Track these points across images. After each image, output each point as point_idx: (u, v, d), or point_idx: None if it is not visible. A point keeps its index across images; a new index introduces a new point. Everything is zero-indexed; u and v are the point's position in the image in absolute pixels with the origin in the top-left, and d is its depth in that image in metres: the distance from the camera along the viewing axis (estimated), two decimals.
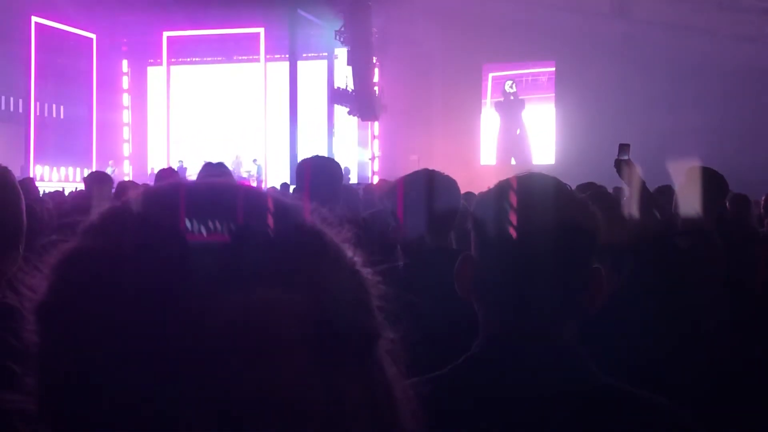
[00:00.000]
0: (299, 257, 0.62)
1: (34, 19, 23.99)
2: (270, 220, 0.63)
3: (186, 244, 0.59)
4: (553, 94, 24.46)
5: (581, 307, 1.41)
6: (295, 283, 0.60)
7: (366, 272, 0.67)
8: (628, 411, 1.36)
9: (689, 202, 3.58)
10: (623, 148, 4.19)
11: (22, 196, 1.94)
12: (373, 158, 25.34)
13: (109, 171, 22.82)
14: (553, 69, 24.37)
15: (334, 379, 0.61)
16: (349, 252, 0.67)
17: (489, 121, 25.33)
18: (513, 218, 1.38)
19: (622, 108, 21.63)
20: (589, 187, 3.68)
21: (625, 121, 21.21)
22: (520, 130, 24.92)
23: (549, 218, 1.39)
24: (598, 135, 21.28)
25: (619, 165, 4.09)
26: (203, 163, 4.34)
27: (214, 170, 4.06)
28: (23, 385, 0.62)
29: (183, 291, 0.57)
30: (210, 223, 0.60)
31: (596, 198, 2.94)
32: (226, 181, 0.68)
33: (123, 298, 0.57)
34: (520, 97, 24.96)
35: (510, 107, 25.04)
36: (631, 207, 3.68)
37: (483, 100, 25.39)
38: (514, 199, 1.40)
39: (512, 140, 24.94)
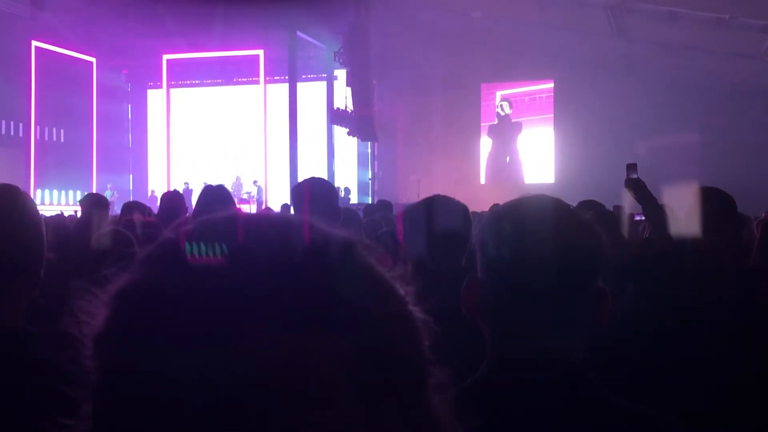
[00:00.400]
0: (353, 298, 0.61)
1: (35, 43, 24.09)
2: (329, 259, 0.62)
3: (238, 280, 0.59)
4: (552, 114, 24.52)
5: (587, 327, 1.41)
6: (349, 326, 0.60)
7: (417, 312, 0.66)
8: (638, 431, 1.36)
9: (698, 222, 3.56)
10: (631, 167, 4.25)
11: (42, 221, 1.93)
12: (373, 178, 25.37)
13: (108, 195, 22.86)
14: (552, 87, 24.46)
15: (383, 425, 0.60)
16: (402, 291, 0.66)
17: (488, 141, 25.40)
18: (515, 240, 1.39)
19: (621, 126, 21.71)
20: (591, 206, 3.68)
21: (624, 140, 21.28)
22: (510, 157, 24.98)
23: (551, 239, 1.39)
24: (597, 153, 21.37)
25: (631, 184, 4.13)
26: (203, 186, 4.33)
27: (215, 193, 4.06)
28: (79, 410, 0.63)
29: (233, 329, 0.57)
30: (266, 260, 0.60)
31: (598, 217, 2.95)
32: (283, 216, 0.69)
33: (177, 333, 0.57)
34: (514, 121, 25.04)
35: (502, 131, 25.11)
36: (647, 225, 3.69)
37: (483, 123, 25.46)
38: (516, 221, 1.40)
39: (501, 165, 24.98)
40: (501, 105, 25.19)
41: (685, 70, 21.11)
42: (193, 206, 4.11)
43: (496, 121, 25.24)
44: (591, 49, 22.20)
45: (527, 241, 1.38)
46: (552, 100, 24.53)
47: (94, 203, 5.88)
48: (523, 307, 1.39)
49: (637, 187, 4.11)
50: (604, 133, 21.66)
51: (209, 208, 0.73)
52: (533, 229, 1.39)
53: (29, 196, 1.95)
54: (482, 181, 24.89)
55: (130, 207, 6.45)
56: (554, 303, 1.37)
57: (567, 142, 23.37)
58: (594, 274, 1.41)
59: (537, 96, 24.84)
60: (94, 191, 24.93)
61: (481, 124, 25.42)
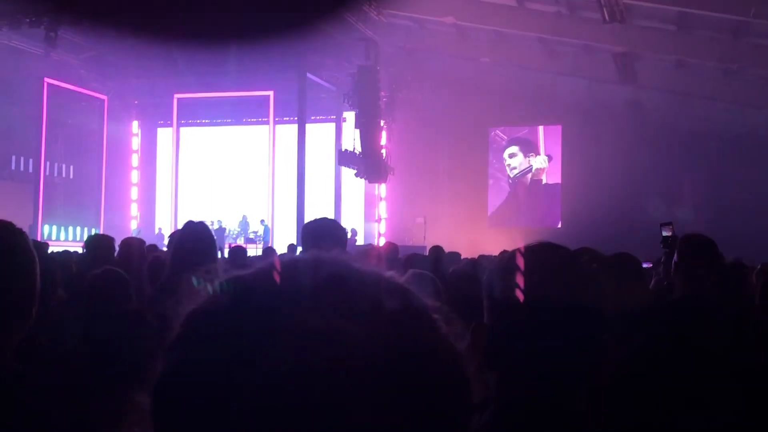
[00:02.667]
0: (421, 353, 0.64)
1: (47, 80, 24.31)
2: (399, 312, 0.66)
3: (311, 320, 0.62)
4: (560, 158, 24.59)
5: (590, 377, 1.40)
6: (413, 377, 0.62)
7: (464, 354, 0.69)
8: None
9: (687, 270, 3.56)
10: (667, 225, 4.34)
11: (37, 260, 1.93)
12: (379, 220, 25.40)
13: (134, 233, 22.93)
14: (559, 132, 24.56)
15: None
16: (458, 344, 0.68)
17: (495, 186, 25.44)
18: (520, 290, 1.39)
19: (628, 173, 21.72)
20: (619, 258, 3.69)
21: (631, 186, 21.31)
22: (520, 202, 25.07)
23: (555, 290, 1.39)
24: (603, 199, 21.37)
25: (668, 241, 4.20)
26: (185, 222, 4.31)
27: (197, 229, 4.05)
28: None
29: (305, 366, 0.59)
30: (343, 304, 0.63)
31: (611, 265, 2.95)
32: (362, 267, 0.70)
33: (242, 359, 0.60)
34: (524, 166, 25.14)
35: (514, 178, 25.26)
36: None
37: (490, 167, 25.54)
38: (521, 270, 1.40)
39: (515, 209, 25.04)
40: (508, 153, 25.29)
41: (693, 118, 21.20)
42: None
43: (511, 176, 25.35)
44: (599, 95, 22.32)
45: (531, 290, 1.38)
46: (560, 145, 24.61)
47: (97, 244, 5.88)
48: (526, 355, 1.38)
49: (674, 245, 4.15)
50: (612, 178, 21.68)
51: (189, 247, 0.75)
52: (537, 279, 1.40)
53: (24, 233, 1.94)
54: (493, 224, 24.89)
55: (130, 244, 6.45)
56: (557, 352, 1.36)
57: (574, 187, 23.38)
58: (597, 325, 1.40)
59: (544, 139, 24.92)
60: (102, 228, 25.02)
61: (488, 168, 25.49)
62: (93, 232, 24.41)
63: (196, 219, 4.36)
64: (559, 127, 24.50)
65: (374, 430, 0.60)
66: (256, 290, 0.66)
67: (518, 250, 1.46)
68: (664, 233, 4.49)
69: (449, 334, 0.68)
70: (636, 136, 21.70)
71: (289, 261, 0.69)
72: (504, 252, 1.50)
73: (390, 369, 0.61)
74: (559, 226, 23.47)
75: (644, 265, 7.30)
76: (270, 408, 0.58)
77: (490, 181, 25.48)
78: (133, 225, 26.01)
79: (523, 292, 1.38)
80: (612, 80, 21.20)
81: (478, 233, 22.09)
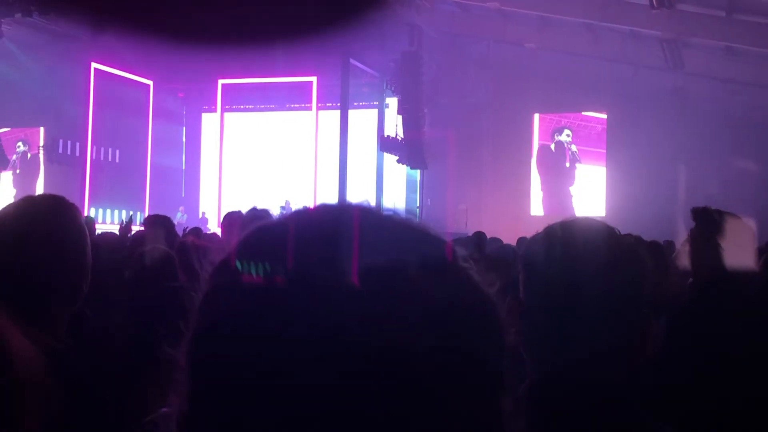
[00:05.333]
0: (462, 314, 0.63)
1: (94, 65, 24.59)
2: (441, 267, 0.64)
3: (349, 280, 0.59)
4: (605, 145, 24.32)
5: (631, 354, 1.38)
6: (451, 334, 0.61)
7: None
8: None
9: (730, 254, 3.50)
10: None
11: (88, 235, 1.93)
12: (421, 207, 25.35)
13: (179, 216, 23.18)
14: (605, 119, 24.27)
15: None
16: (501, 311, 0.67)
17: (538, 172, 25.24)
18: (562, 261, 1.37)
19: (674, 161, 21.43)
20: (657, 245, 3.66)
21: (677, 175, 21.03)
22: (563, 188, 24.79)
23: (600, 264, 1.37)
24: (649, 187, 21.11)
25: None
26: (250, 208, 4.34)
27: (257, 217, 4.07)
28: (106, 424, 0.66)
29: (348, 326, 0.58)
30: (381, 261, 0.61)
31: (647, 248, 2.91)
32: (399, 217, 0.69)
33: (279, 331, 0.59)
34: (572, 150, 24.86)
35: (558, 159, 24.95)
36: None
37: (533, 153, 25.33)
38: (566, 242, 1.39)
39: (560, 194, 24.80)
40: (560, 131, 25.01)
41: (741, 106, 20.80)
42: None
43: (553, 148, 25.06)
44: (645, 82, 22.00)
45: (575, 263, 1.36)
46: (605, 132, 24.32)
47: (152, 223, 5.99)
48: (565, 330, 1.36)
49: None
50: (657, 167, 21.40)
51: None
52: (582, 252, 1.38)
53: (76, 208, 1.94)
54: (536, 212, 24.70)
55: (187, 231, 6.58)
56: (597, 327, 1.35)
57: (619, 175, 23.12)
58: (639, 301, 1.38)
59: (590, 125, 24.64)
60: (147, 212, 25.31)
61: (532, 156, 25.29)
62: (138, 215, 24.72)
63: (239, 204, 4.40)
64: (604, 114, 24.21)
65: (419, 372, 0.58)
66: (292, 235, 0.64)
67: (562, 222, 1.44)
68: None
69: (483, 283, 0.66)
70: (682, 123, 21.35)
71: (325, 207, 0.68)
72: (549, 226, 1.47)
73: (431, 314, 0.60)
74: (604, 214, 23.22)
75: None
76: (318, 361, 0.57)
77: (534, 168, 25.28)
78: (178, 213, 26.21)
79: (565, 265, 1.36)
80: (659, 67, 20.89)
81: (521, 220, 21.91)
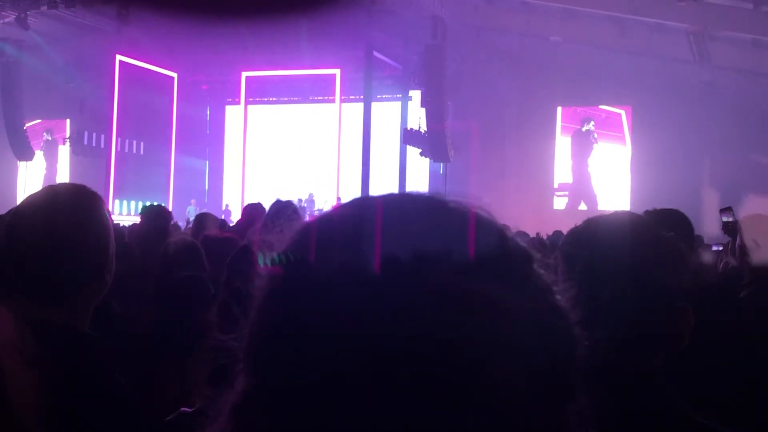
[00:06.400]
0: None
1: (119, 57, 24.74)
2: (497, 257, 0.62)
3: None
4: (629, 137, 24.17)
5: (666, 344, 1.40)
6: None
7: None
8: None
9: (754, 251, 3.47)
10: (726, 211, 4.25)
11: (111, 225, 1.93)
12: None
13: (190, 210, 23.30)
14: (630, 112, 24.12)
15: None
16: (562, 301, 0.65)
17: (562, 165, 25.13)
18: (593, 252, 1.39)
19: (700, 155, 21.27)
20: (666, 214, 3.61)
21: (703, 169, 20.86)
22: (584, 178, 24.70)
23: (630, 254, 1.39)
24: (675, 182, 20.95)
25: (729, 227, 4.13)
26: (275, 200, 4.36)
27: (283, 208, 4.09)
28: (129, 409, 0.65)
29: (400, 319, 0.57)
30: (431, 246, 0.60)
31: (679, 237, 2.93)
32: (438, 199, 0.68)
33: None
34: (596, 137, 24.74)
35: (583, 144, 24.86)
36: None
37: (557, 146, 25.22)
38: (597, 235, 1.41)
39: (583, 190, 24.70)
40: (587, 121, 24.87)
41: (765, 97, 20.59)
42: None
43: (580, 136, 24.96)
44: (671, 75, 21.82)
45: (606, 253, 1.39)
46: (630, 125, 24.17)
47: (154, 215, 6.01)
48: (598, 320, 1.37)
49: (735, 230, 4.06)
50: (683, 161, 21.25)
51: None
52: (612, 243, 1.41)
53: (99, 197, 1.94)
54: (559, 206, 24.62)
55: (204, 218, 6.61)
56: (630, 316, 1.37)
57: (644, 169, 22.97)
58: (674, 291, 1.40)
59: (614, 118, 24.49)
60: (171, 204, 25.47)
61: (555, 150, 25.17)
62: (191, 209, 24.84)
63: (262, 196, 4.43)
64: (629, 107, 24.06)
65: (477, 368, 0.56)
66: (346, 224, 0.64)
67: (598, 216, 1.47)
68: (724, 219, 4.38)
69: (548, 281, 0.64)
70: (708, 116, 21.17)
71: (374, 197, 0.67)
72: (587, 219, 1.52)
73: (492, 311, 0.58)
74: (629, 207, 23.09)
75: (714, 248, 7.14)
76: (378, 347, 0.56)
77: (558, 161, 25.17)
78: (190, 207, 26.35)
79: (596, 256, 1.38)
80: (685, 59, 20.72)
81: (544, 213, 21.83)
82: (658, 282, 1.39)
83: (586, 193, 24.65)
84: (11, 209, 1.95)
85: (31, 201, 1.88)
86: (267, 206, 4.45)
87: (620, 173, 24.25)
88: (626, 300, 1.36)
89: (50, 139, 27.70)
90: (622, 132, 24.39)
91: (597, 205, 23.74)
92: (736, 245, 3.69)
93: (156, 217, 5.69)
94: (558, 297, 0.64)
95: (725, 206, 4.40)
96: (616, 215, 1.51)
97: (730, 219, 4.20)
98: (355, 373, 0.55)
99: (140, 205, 25.60)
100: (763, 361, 2.70)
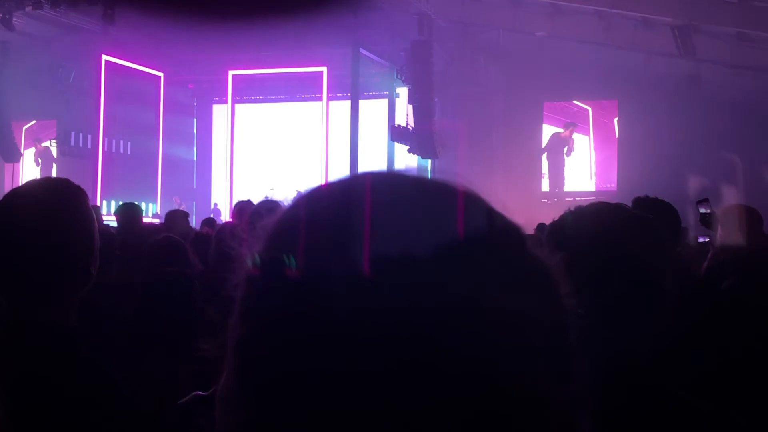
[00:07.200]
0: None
1: (104, 57, 24.63)
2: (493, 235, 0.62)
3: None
4: (616, 132, 24.27)
5: (651, 324, 1.43)
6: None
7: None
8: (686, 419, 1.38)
9: (730, 240, 3.51)
10: (703, 203, 4.27)
11: (95, 219, 1.93)
12: None
13: (175, 206, 23.21)
14: (615, 105, 24.21)
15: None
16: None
17: (549, 161, 25.22)
18: (577, 241, 1.41)
19: (685, 147, 21.32)
20: (649, 203, 3.62)
21: (687, 161, 20.89)
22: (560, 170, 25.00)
23: (615, 239, 1.42)
24: (662, 175, 20.99)
25: (706, 218, 4.16)
26: (263, 199, 4.36)
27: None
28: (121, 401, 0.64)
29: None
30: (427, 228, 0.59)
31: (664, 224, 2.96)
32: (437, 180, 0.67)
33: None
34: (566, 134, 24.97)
35: (556, 145, 25.12)
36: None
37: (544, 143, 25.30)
38: (579, 222, 1.44)
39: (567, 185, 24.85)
40: (568, 126, 25.01)
41: (752, 91, 20.67)
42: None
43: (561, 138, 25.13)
44: (656, 69, 21.88)
45: (584, 237, 1.41)
46: (616, 119, 24.27)
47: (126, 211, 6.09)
48: (596, 303, 1.40)
49: (711, 222, 4.10)
50: (669, 154, 21.30)
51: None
52: (590, 227, 1.43)
53: (82, 190, 1.92)
54: (543, 199, 24.68)
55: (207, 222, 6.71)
56: (617, 300, 1.39)
57: (629, 162, 23.03)
58: (653, 270, 1.43)
59: (601, 112, 24.59)
60: (159, 203, 25.41)
61: (542, 145, 25.24)
62: (150, 207, 24.78)
63: (249, 194, 4.44)
64: (614, 102, 24.13)
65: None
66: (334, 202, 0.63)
67: (578, 207, 1.50)
68: (702, 210, 4.39)
69: (543, 258, 0.63)
70: (694, 109, 21.23)
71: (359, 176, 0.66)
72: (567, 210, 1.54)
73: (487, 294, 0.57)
74: (616, 200, 23.13)
75: (701, 240, 7.18)
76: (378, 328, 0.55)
77: (544, 156, 25.23)
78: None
79: (579, 244, 1.40)
80: (670, 54, 20.78)
81: (534, 208, 21.85)
82: (638, 259, 1.42)
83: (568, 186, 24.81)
84: None
85: (13, 196, 1.86)
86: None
87: (605, 167, 24.35)
88: (607, 281, 1.38)
89: (37, 140, 27.55)
90: (611, 124, 24.49)
91: (585, 199, 23.79)
92: (717, 236, 3.73)
93: (128, 212, 5.73)
94: (558, 283, 0.63)
95: (703, 198, 4.42)
96: (594, 204, 1.54)
97: (708, 210, 4.22)
98: (346, 377, 0.54)
99: None
100: (746, 355, 2.73)
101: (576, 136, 25.01)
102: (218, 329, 0.65)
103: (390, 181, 0.68)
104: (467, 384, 0.54)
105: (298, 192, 0.68)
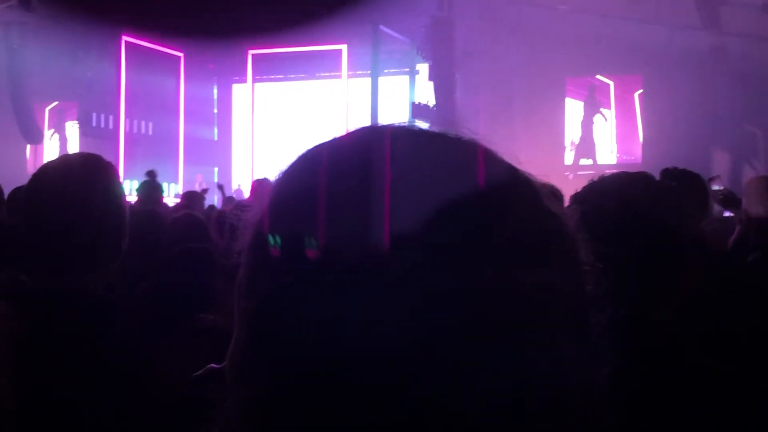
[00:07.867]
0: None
1: (125, 38, 24.69)
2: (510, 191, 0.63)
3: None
4: (641, 106, 24.10)
5: (675, 292, 1.42)
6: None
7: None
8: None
9: (755, 212, 3.45)
10: (715, 179, 4.25)
11: (125, 194, 1.96)
12: None
13: (197, 187, 23.34)
14: (640, 80, 24.02)
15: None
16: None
17: (571, 129, 25.08)
18: (599, 211, 1.40)
19: (709, 120, 21.12)
20: (677, 175, 3.60)
21: (712, 134, 20.73)
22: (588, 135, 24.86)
23: (634, 208, 1.41)
24: (687, 150, 20.83)
25: (725, 200, 4.15)
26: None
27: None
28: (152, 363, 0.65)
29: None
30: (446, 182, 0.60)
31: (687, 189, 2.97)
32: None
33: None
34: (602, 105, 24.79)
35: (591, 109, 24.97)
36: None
37: (567, 118, 25.14)
38: (601, 194, 1.43)
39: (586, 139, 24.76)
40: (593, 89, 24.87)
41: None
42: None
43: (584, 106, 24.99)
44: (680, 42, 21.64)
45: (610, 212, 1.40)
46: (640, 93, 24.09)
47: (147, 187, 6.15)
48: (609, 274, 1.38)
49: (730, 200, 4.07)
50: (693, 128, 21.10)
51: None
52: (612, 195, 1.43)
53: (112, 165, 1.97)
54: (566, 173, 24.60)
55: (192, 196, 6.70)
56: (638, 269, 1.38)
57: (654, 135, 22.86)
58: (675, 245, 1.41)
59: (624, 86, 24.42)
60: (181, 185, 25.53)
61: (564, 122, 25.09)
62: (172, 187, 24.89)
63: (274, 174, 4.44)
64: (638, 77, 23.93)
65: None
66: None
67: (601, 177, 1.48)
68: (715, 187, 4.34)
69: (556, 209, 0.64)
70: (719, 83, 20.99)
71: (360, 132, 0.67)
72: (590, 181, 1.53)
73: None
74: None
75: (726, 215, 7.12)
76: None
77: (567, 132, 25.10)
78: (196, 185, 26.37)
79: (602, 214, 1.39)
80: (694, 27, 20.54)
81: (557, 184, 21.78)
82: (661, 224, 1.40)
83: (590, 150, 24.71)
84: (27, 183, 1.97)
85: (47, 170, 1.91)
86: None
87: (630, 143, 24.21)
88: (631, 247, 1.37)
89: (59, 121, 27.73)
90: (631, 99, 24.31)
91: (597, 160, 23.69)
92: (742, 211, 3.68)
93: (149, 190, 5.77)
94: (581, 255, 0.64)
95: (713, 176, 4.37)
96: (617, 174, 1.54)
97: (720, 187, 4.19)
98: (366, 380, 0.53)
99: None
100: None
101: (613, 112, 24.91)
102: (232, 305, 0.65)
103: (409, 143, 0.70)
104: (493, 369, 0.54)
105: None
